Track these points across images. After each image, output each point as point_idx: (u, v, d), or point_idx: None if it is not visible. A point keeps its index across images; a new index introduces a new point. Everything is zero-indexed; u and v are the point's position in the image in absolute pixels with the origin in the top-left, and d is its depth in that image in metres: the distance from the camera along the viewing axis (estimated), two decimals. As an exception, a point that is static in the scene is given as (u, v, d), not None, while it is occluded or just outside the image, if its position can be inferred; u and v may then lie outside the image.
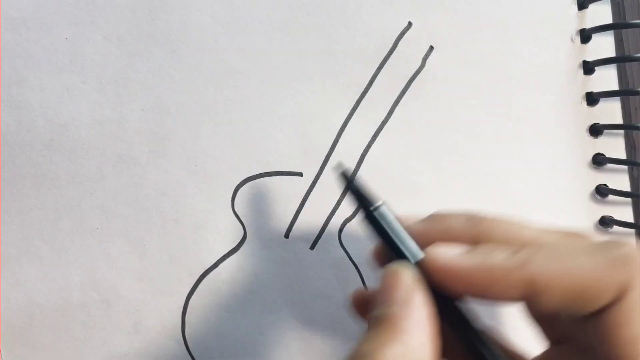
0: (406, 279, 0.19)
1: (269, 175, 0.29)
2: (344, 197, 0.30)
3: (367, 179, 0.30)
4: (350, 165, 0.29)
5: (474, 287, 0.19)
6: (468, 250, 0.19)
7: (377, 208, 0.22)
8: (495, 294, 0.19)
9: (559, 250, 0.18)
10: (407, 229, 0.21)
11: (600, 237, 0.21)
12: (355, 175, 0.24)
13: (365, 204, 0.22)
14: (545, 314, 0.19)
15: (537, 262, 0.18)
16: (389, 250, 0.21)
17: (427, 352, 0.18)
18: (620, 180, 0.31)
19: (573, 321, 0.20)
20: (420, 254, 0.20)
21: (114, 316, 0.29)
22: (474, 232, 0.20)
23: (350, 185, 0.23)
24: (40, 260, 0.28)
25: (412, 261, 0.20)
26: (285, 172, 0.29)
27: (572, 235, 0.20)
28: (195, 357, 0.29)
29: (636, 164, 0.31)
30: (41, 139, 0.28)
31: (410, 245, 0.21)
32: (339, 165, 0.24)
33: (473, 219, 0.21)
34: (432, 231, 0.21)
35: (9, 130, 0.27)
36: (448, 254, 0.19)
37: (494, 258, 0.18)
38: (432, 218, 0.22)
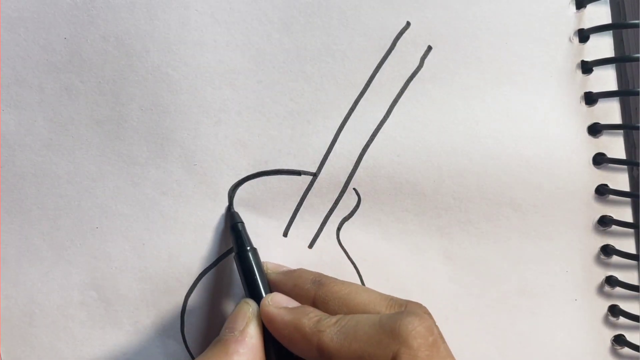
0: (246, 312, 0.25)
1: (268, 175, 0.30)
2: (342, 196, 0.30)
3: (364, 179, 0.30)
4: (348, 166, 0.30)
5: (284, 340, 0.24)
6: (290, 307, 0.24)
7: (248, 250, 0.27)
8: (298, 349, 0.23)
9: (350, 323, 0.22)
10: (267, 275, 0.27)
11: (413, 307, 0.24)
12: (240, 220, 0.29)
13: (240, 244, 0.28)
14: None
15: (328, 331, 0.22)
16: (245, 286, 0.27)
17: None
18: (619, 180, 0.31)
19: None
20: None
21: (113, 315, 0.29)
22: (315, 293, 0.25)
23: (234, 225, 0.28)
24: (40, 260, 0.28)
25: (258, 300, 0.26)
26: (283, 170, 0.30)
27: (393, 305, 0.24)
28: (194, 356, 0.29)
29: (636, 163, 0.31)
30: (40, 139, 0.28)
31: (260, 287, 0.26)
32: (231, 209, 0.29)
33: (317, 282, 0.26)
34: (285, 284, 0.26)
35: (8, 130, 0.28)
36: (271, 307, 0.24)
37: (301, 320, 0.23)
38: (289, 273, 0.27)
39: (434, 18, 0.30)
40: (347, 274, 0.30)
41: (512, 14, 0.30)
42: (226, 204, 0.29)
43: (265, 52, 0.29)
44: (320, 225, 0.30)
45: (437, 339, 0.22)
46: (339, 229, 0.30)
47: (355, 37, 0.29)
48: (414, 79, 0.30)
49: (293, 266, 0.30)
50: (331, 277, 0.26)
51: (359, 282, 0.30)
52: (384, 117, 0.30)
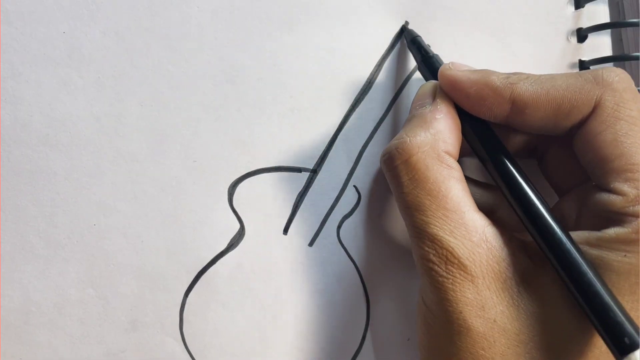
0: (430, 87, 0.26)
1: (268, 172, 0.30)
2: (342, 193, 0.31)
3: (364, 176, 0.31)
4: (348, 163, 0.31)
5: (472, 99, 0.24)
6: (472, 70, 0.25)
7: (431, 57, 0.28)
8: (488, 106, 0.24)
9: (543, 77, 0.24)
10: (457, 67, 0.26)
11: None
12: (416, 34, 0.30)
13: (422, 51, 0.29)
14: (532, 131, 0.25)
15: (522, 84, 0.23)
16: (428, 75, 0.28)
17: (446, 136, 0.24)
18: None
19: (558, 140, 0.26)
20: None
21: (111, 313, 0.29)
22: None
23: (415, 39, 0.30)
24: (37, 257, 0.29)
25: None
26: (283, 167, 0.30)
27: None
28: (193, 354, 0.30)
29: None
30: (37, 135, 0.28)
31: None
32: (406, 29, 0.31)
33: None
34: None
35: (4, 126, 0.28)
36: (454, 70, 0.25)
37: (490, 77, 0.24)
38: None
39: (433, 17, 0.31)
40: (347, 272, 0.31)
41: (510, 13, 0.31)
42: (226, 201, 0.30)
43: (265, 50, 0.30)
44: (321, 222, 0.31)
45: (634, 88, 0.23)
46: (339, 226, 0.31)
47: (355, 35, 0.30)
48: (413, 77, 0.31)
49: (293, 265, 0.30)
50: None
51: (358, 280, 0.31)
52: (384, 115, 0.31)
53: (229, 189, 0.30)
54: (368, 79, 0.31)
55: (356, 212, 0.31)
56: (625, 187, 0.22)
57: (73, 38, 0.28)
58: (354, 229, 0.31)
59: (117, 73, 0.28)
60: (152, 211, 0.29)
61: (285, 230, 0.31)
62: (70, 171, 0.29)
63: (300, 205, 0.31)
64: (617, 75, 0.22)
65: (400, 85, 0.31)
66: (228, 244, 0.30)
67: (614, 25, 0.31)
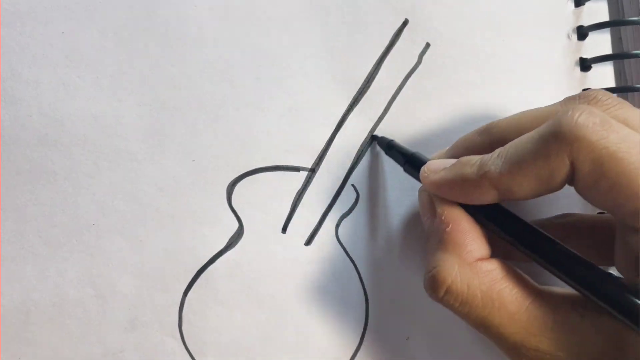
0: (425, 197, 0.26)
1: (266, 171, 0.31)
2: (341, 192, 0.31)
3: (363, 175, 0.31)
4: (347, 162, 0.31)
5: (461, 197, 0.24)
6: (449, 166, 0.24)
7: (412, 154, 0.28)
8: (478, 198, 0.23)
9: (512, 147, 0.22)
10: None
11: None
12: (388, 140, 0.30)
13: (404, 155, 0.29)
14: (534, 197, 0.23)
15: (493, 168, 0.22)
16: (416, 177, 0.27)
17: (467, 244, 0.23)
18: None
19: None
20: None
21: (110, 312, 0.30)
22: (488, 141, 0.25)
23: (390, 145, 0.30)
24: (36, 257, 0.29)
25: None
26: (282, 166, 0.31)
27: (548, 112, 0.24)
28: (192, 353, 0.30)
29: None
30: (36, 134, 0.29)
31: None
32: (377, 137, 0.31)
33: (483, 131, 0.26)
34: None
35: (4, 126, 0.28)
36: (431, 175, 0.25)
37: (464, 171, 0.23)
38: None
39: (432, 15, 0.31)
40: (346, 271, 0.31)
41: (510, 11, 0.31)
42: (224, 200, 0.30)
43: (264, 49, 0.30)
44: (319, 221, 0.31)
45: (604, 118, 0.20)
46: (337, 225, 0.31)
47: (353, 34, 0.30)
48: (412, 76, 0.31)
49: (292, 264, 0.31)
50: (497, 120, 0.25)
51: (357, 279, 0.31)
52: (382, 114, 0.31)
53: (227, 188, 0.30)
54: (367, 77, 0.31)
55: (354, 211, 0.31)
56: None
57: (71, 38, 0.28)
58: (352, 228, 0.31)
59: (116, 73, 0.29)
60: (151, 210, 0.30)
61: (284, 229, 0.31)
62: (69, 171, 0.29)
63: (298, 204, 0.31)
64: (576, 120, 0.20)
65: (399, 84, 0.31)
66: (227, 243, 0.30)
67: (614, 24, 0.32)
